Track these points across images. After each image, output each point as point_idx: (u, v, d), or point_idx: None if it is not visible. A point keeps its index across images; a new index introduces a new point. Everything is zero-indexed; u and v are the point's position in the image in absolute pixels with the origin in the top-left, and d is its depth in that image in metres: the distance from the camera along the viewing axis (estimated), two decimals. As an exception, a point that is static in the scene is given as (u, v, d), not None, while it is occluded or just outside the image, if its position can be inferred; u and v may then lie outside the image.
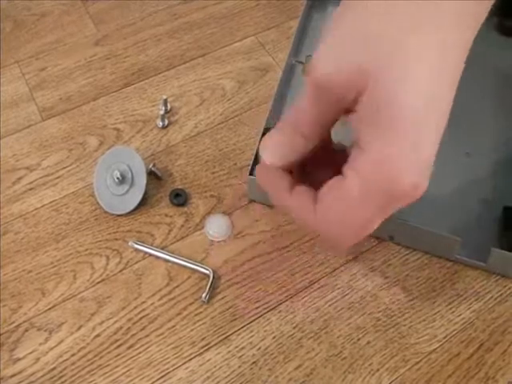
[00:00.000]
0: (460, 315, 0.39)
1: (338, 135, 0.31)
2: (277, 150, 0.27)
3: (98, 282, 0.39)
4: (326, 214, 0.26)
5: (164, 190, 0.44)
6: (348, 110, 0.25)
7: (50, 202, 0.43)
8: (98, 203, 0.43)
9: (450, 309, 0.40)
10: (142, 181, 0.41)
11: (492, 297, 0.40)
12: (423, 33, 0.23)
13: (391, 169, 0.24)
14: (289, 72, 0.51)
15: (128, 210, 0.41)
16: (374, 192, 0.25)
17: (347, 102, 0.25)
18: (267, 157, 0.28)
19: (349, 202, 0.25)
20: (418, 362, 0.37)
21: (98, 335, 0.37)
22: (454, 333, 0.38)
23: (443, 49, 0.24)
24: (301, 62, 0.53)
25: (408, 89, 0.23)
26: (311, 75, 0.24)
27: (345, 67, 0.24)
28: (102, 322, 0.37)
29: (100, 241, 0.41)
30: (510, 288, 0.41)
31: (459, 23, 0.24)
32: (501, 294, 0.40)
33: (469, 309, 0.40)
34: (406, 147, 0.24)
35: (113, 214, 0.42)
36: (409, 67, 0.23)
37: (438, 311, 0.39)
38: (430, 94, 0.24)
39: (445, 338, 0.38)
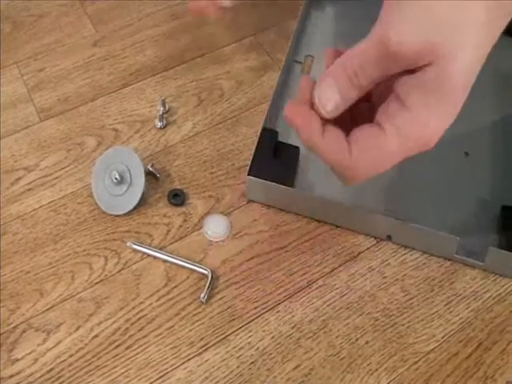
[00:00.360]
0: (458, 315, 0.39)
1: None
2: (338, 103, 0.30)
3: (97, 283, 0.39)
4: (360, 157, 0.30)
5: (162, 191, 0.44)
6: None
7: (49, 203, 0.43)
8: (96, 204, 0.43)
9: (449, 308, 0.40)
10: (140, 181, 0.41)
11: (490, 296, 0.40)
12: (472, 21, 0.28)
13: (432, 132, 0.29)
14: (287, 72, 0.51)
15: (127, 210, 0.41)
16: (410, 148, 0.30)
17: (409, 68, 0.29)
18: (331, 108, 0.30)
19: (385, 153, 0.30)
20: (416, 362, 0.37)
21: (96, 336, 0.37)
22: (452, 332, 0.38)
23: (486, 32, 0.29)
24: (299, 62, 0.53)
25: (461, 69, 0.28)
26: (386, 47, 0.28)
27: (418, 40, 0.27)
28: (100, 322, 0.37)
29: (98, 241, 0.41)
30: (508, 287, 0.41)
31: (499, 7, 0.29)
32: (499, 294, 0.40)
33: (467, 308, 0.40)
34: (446, 116, 0.29)
35: (111, 215, 0.42)
36: (464, 49, 0.28)
37: (437, 311, 0.39)
38: (471, 73, 0.29)
39: (443, 337, 0.38)
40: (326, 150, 0.31)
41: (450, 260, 0.42)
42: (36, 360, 0.35)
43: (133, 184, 0.41)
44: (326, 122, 0.31)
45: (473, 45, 0.28)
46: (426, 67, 0.28)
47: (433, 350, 0.38)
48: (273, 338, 0.37)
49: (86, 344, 0.36)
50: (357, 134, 0.30)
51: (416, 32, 0.28)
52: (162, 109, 0.48)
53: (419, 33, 0.28)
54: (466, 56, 0.28)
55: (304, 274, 0.40)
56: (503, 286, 0.41)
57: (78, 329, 0.37)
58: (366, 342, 0.38)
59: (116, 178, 0.41)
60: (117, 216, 0.42)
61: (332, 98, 0.30)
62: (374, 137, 0.30)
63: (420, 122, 0.29)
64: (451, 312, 0.39)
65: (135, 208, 0.42)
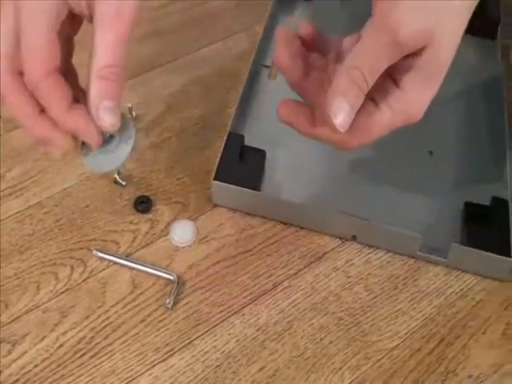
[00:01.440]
0: (421, 311, 0.40)
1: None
2: (348, 116, 0.32)
3: (62, 292, 0.39)
4: (354, 131, 0.33)
5: (129, 198, 0.44)
6: None
7: (15, 213, 0.43)
8: (62, 213, 0.43)
9: (412, 305, 0.40)
10: (130, 133, 0.38)
11: (453, 292, 0.41)
12: (455, 10, 0.32)
13: (420, 109, 0.33)
14: (254, 76, 0.52)
15: (119, 164, 0.37)
16: (398, 122, 0.33)
17: (410, 54, 0.32)
18: (343, 121, 0.32)
19: (376, 125, 0.33)
20: (379, 359, 0.38)
21: (61, 345, 0.37)
22: (415, 329, 0.39)
23: (466, 15, 0.32)
24: (267, 66, 0.53)
25: (448, 50, 0.32)
26: (394, 36, 0.31)
27: (417, 26, 0.31)
28: (66, 332, 0.37)
29: (64, 251, 0.41)
30: (470, 283, 0.42)
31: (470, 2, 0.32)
32: (461, 289, 0.41)
33: (430, 305, 0.40)
34: (432, 92, 0.33)
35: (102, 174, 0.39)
36: (449, 31, 0.31)
37: (400, 308, 0.40)
38: (453, 54, 0.32)
39: (406, 334, 0.39)
40: (323, 136, 0.35)
41: (413, 258, 0.43)
42: (1, 372, 0.36)
43: (123, 139, 0.37)
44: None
45: (454, 27, 0.32)
46: (421, 51, 0.31)
47: (396, 346, 0.38)
48: (238, 340, 0.38)
49: (51, 354, 0.36)
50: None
51: (415, 19, 0.30)
52: (129, 116, 0.49)
53: (417, 19, 0.31)
54: (451, 38, 0.32)
55: (269, 277, 0.41)
56: (465, 281, 0.42)
57: (43, 339, 0.37)
58: (330, 342, 0.38)
59: (107, 134, 0.37)
60: (83, 224, 0.43)
61: (342, 112, 0.32)
62: (369, 113, 0.33)
63: (411, 100, 0.33)
64: (414, 309, 0.40)
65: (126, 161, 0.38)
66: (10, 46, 0.32)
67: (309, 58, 0.36)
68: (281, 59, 0.35)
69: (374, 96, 0.33)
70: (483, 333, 0.39)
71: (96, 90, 0.32)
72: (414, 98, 0.33)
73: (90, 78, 0.33)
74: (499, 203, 0.44)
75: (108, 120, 0.33)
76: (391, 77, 0.33)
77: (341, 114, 0.32)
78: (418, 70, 0.32)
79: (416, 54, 0.31)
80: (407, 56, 0.32)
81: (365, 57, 0.32)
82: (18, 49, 0.31)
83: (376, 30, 0.31)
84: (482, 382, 0.37)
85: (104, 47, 0.33)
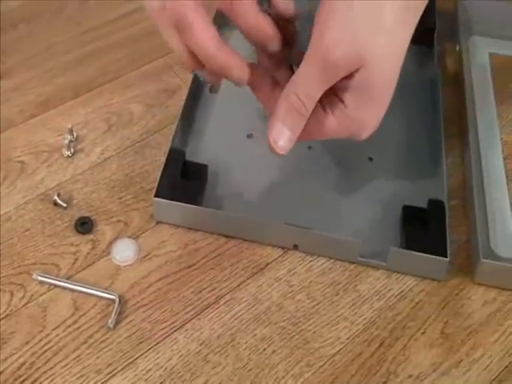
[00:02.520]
0: (362, 315, 0.41)
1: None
2: (289, 140, 0.35)
3: (2, 319, 0.39)
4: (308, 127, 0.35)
5: (69, 219, 0.44)
6: None
7: (-47, 242, 0.42)
8: (2, 238, 0.43)
9: (353, 310, 0.41)
10: None
11: (393, 294, 0.42)
12: (385, 27, 0.33)
13: (359, 127, 0.36)
14: (195, 91, 0.52)
15: None
16: (343, 133, 0.36)
17: (343, 76, 0.33)
18: (285, 145, 0.35)
19: (322, 130, 0.36)
20: (322, 366, 0.38)
21: (1, 372, 0.36)
22: (357, 333, 0.40)
23: (401, 38, 0.34)
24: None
25: (384, 68, 0.33)
26: (326, 59, 0.32)
27: (349, 51, 0.32)
28: (6, 358, 0.37)
29: (4, 276, 0.41)
30: (409, 284, 0.43)
31: (405, 21, 0.34)
32: (401, 291, 0.42)
33: (371, 308, 0.41)
34: (377, 112, 0.36)
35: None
36: (384, 49, 0.33)
37: (341, 314, 0.41)
38: (395, 75, 0.34)
39: (348, 339, 0.39)
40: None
41: (354, 263, 0.43)
42: None
43: None
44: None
45: (387, 47, 0.33)
46: (356, 72, 0.33)
47: (338, 352, 0.39)
48: (181, 356, 0.38)
49: (-11, 382, 0.36)
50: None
51: (344, 41, 0.32)
52: (69, 137, 0.49)
53: (347, 42, 0.32)
54: (384, 58, 0.33)
55: (212, 290, 0.41)
56: (405, 283, 0.43)
57: (-19, 367, 0.36)
58: (273, 351, 0.39)
59: None
60: (23, 249, 0.42)
61: (283, 137, 0.34)
62: (317, 117, 0.35)
63: (353, 118, 0.35)
64: (356, 313, 0.41)
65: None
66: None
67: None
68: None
69: (324, 103, 0.35)
70: (422, 333, 0.40)
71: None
72: (356, 116, 0.35)
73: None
74: (436, 205, 0.45)
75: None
76: (337, 95, 0.35)
77: (282, 139, 0.34)
78: (355, 90, 0.34)
79: (351, 75, 0.33)
80: (344, 78, 0.33)
81: (302, 82, 0.34)
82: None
83: (311, 56, 0.33)
84: (421, 381, 0.38)
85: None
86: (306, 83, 0.33)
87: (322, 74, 0.33)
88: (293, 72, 0.38)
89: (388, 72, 0.34)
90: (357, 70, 0.33)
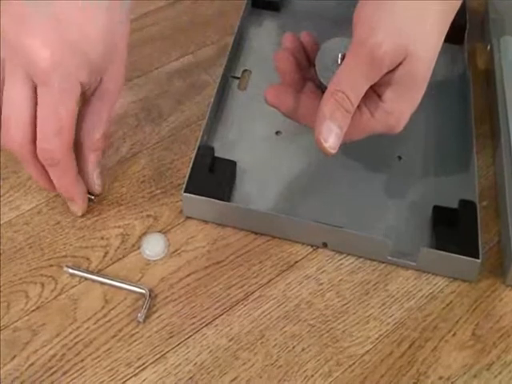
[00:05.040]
0: (392, 315, 0.40)
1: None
2: (337, 137, 0.36)
3: (33, 311, 0.39)
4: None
5: (99, 213, 0.44)
6: None
7: (-15, 233, 0.43)
8: (33, 231, 0.43)
9: (383, 310, 0.41)
10: None
11: (423, 295, 0.41)
12: (427, 23, 0.35)
13: (399, 120, 0.37)
14: (223, 88, 0.52)
15: None
16: (377, 129, 0.37)
17: (388, 70, 0.35)
18: (334, 143, 0.36)
19: (357, 127, 0.37)
20: (351, 365, 0.38)
21: (32, 364, 0.37)
22: (386, 333, 0.39)
23: (438, 34, 0.35)
24: (236, 78, 0.54)
25: (425, 61, 0.35)
26: (372, 55, 0.34)
27: (394, 48, 0.34)
28: (37, 350, 0.37)
29: (35, 268, 0.41)
30: (440, 285, 0.42)
31: (444, 15, 0.35)
32: (431, 292, 0.42)
33: (401, 309, 0.41)
34: (413, 104, 0.37)
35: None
36: (425, 43, 0.34)
37: (371, 313, 0.40)
38: (431, 64, 0.36)
39: (377, 338, 0.39)
40: (304, 121, 0.40)
41: (384, 263, 0.43)
42: (-30, 393, 0.35)
43: None
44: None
45: (431, 37, 0.34)
46: (399, 66, 0.34)
47: (367, 351, 0.39)
48: (210, 352, 0.38)
49: (21, 373, 0.36)
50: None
51: (390, 40, 0.33)
52: (99, 132, 0.49)
53: (392, 41, 0.33)
54: (425, 53, 0.34)
55: (241, 287, 0.41)
56: (435, 284, 0.42)
57: (13, 358, 0.37)
58: (303, 349, 0.38)
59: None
60: (54, 241, 0.43)
61: (332, 134, 0.35)
62: (357, 115, 0.36)
63: (390, 111, 0.36)
64: (385, 313, 0.40)
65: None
66: (28, 117, 0.35)
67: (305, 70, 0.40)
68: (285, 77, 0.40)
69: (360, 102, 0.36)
70: (453, 334, 0.40)
71: (92, 162, 0.41)
72: (394, 109, 0.36)
73: (86, 146, 0.39)
74: (467, 205, 0.44)
75: (100, 184, 0.42)
76: (374, 91, 0.36)
77: (331, 137, 0.35)
78: (396, 84, 0.35)
79: (393, 70, 0.35)
80: (386, 73, 0.35)
81: (347, 79, 0.34)
82: (34, 120, 0.35)
83: (356, 54, 0.34)
84: (452, 382, 0.38)
85: (104, 118, 0.39)
86: (352, 80, 0.34)
87: (367, 71, 0.34)
88: (316, 84, 0.40)
89: (427, 65, 0.35)
90: (399, 64, 0.34)
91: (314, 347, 0.38)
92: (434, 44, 0.35)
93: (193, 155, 0.45)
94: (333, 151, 0.36)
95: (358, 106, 0.36)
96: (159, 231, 0.44)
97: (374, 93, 0.36)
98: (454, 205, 0.45)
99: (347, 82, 0.34)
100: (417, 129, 0.51)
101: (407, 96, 0.36)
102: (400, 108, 0.36)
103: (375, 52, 0.33)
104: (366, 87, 0.35)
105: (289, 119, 0.50)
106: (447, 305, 0.41)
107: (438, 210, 0.45)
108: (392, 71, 0.34)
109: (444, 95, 0.54)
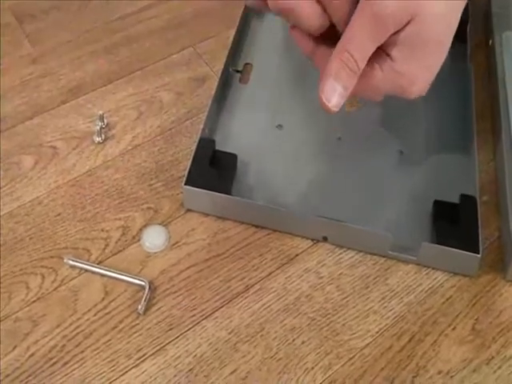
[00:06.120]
0: (392, 309, 0.40)
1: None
2: (341, 96, 0.34)
3: (33, 302, 0.39)
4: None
5: (100, 205, 0.44)
6: None
7: (-14, 224, 0.43)
8: (33, 222, 0.43)
9: (383, 304, 0.41)
10: None
11: (423, 289, 0.42)
12: None
13: (408, 82, 0.35)
14: (225, 81, 0.52)
15: None
16: (391, 88, 0.36)
17: (393, 32, 0.33)
18: (336, 102, 0.34)
19: (367, 83, 0.35)
20: (351, 358, 0.38)
21: (32, 354, 0.37)
22: (386, 327, 0.40)
23: (453, 4, 0.34)
24: (238, 71, 0.54)
25: (438, 21, 0.33)
26: (378, 15, 0.32)
27: (401, 7, 0.32)
28: (37, 341, 0.37)
29: (35, 260, 0.41)
30: (440, 279, 0.42)
31: None
32: (431, 286, 0.42)
33: (400, 303, 0.41)
34: (429, 68, 0.35)
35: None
36: (434, 13, 0.33)
37: (371, 307, 0.40)
38: (444, 35, 0.34)
39: (377, 332, 0.39)
40: (318, 65, 0.37)
41: (384, 257, 0.43)
42: (-30, 383, 0.35)
43: None
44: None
45: (442, 2, 0.33)
46: (405, 26, 0.33)
47: (367, 345, 0.39)
48: (210, 344, 0.38)
49: (22, 363, 0.36)
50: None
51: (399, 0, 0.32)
52: (100, 123, 0.49)
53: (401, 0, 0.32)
54: (437, 10, 0.33)
55: (241, 280, 0.41)
56: (435, 278, 0.42)
57: (14, 349, 0.37)
58: (303, 342, 0.38)
59: None
60: (54, 233, 0.43)
61: (336, 94, 0.34)
62: (365, 70, 0.34)
63: (400, 71, 0.34)
64: (385, 307, 0.40)
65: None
66: None
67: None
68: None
69: (371, 58, 0.34)
70: (453, 329, 0.40)
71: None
72: (404, 70, 0.34)
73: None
74: (467, 200, 0.44)
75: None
76: (384, 50, 0.35)
77: (334, 97, 0.34)
78: (402, 44, 0.34)
79: (401, 30, 0.33)
80: (394, 33, 0.33)
81: (354, 39, 0.33)
82: None
83: (362, 14, 0.33)
84: (451, 377, 0.38)
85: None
86: (358, 40, 0.33)
87: (373, 31, 0.33)
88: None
89: (437, 29, 0.34)
90: (406, 24, 0.33)
91: (313, 340, 0.39)
92: (448, 8, 0.33)
93: (194, 148, 0.45)
94: (335, 109, 0.34)
95: (370, 64, 0.35)
96: (160, 224, 0.44)
97: (384, 51, 0.35)
98: (455, 199, 0.45)
99: (353, 42, 0.33)
100: (418, 123, 0.51)
101: (418, 57, 0.34)
102: (410, 69, 0.35)
103: (380, 12, 0.32)
104: (373, 48, 0.33)
105: (289, 114, 0.50)
106: (447, 299, 0.41)
107: (438, 205, 0.45)
108: (399, 31, 0.33)
109: (445, 90, 0.53)
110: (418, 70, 0.35)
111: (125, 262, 0.41)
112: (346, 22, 0.34)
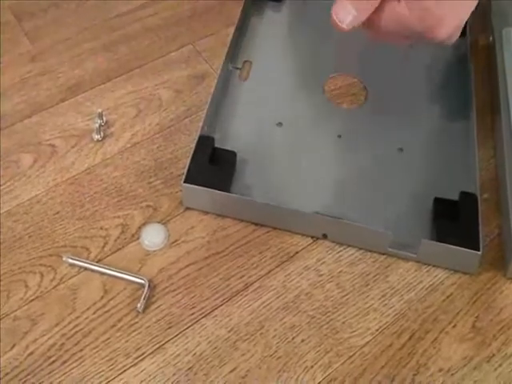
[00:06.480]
0: (392, 307, 0.40)
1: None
2: (354, 18, 0.34)
3: (32, 300, 0.39)
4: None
5: (99, 203, 0.44)
6: None
7: (-16, 223, 0.43)
8: (32, 221, 0.43)
9: (383, 301, 0.41)
10: None
11: (423, 287, 0.41)
12: None
13: (436, 21, 0.33)
14: (224, 78, 0.52)
15: None
16: (416, 24, 0.34)
17: None
18: (349, 23, 0.34)
19: (397, 16, 0.34)
20: (351, 356, 0.38)
21: (31, 353, 0.37)
22: (386, 325, 0.39)
23: None
24: (237, 68, 0.53)
25: None
26: None
27: None
28: (36, 339, 0.37)
29: (34, 258, 0.41)
30: (440, 277, 0.42)
31: None
32: (431, 284, 0.42)
33: (401, 300, 0.41)
34: (452, 11, 0.33)
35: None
36: None
37: (371, 305, 0.40)
38: None
39: (377, 330, 0.39)
40: None
41: (384, 254, 0.43)
42: (-31, 381, 0.35)
43: None
44: None
45: None
46: None
47: (367, 343, 0.38)
48: (210, 342, 0.38)
49: (20, 362, 0.36)
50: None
51: None
52: (99, 121, 0.49)
53: None
54: None
55: (241, 278, 0.41)
56: (435, 276, 0.42)
57: (13, 347, 0.37)
58: (302, 340, 0.38)
59: None
60: (53, 231, 0.42)
61: (349, 16, 0.33)
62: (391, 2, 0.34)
63: (427, 9, 0.33)
64: (385, 305, 0.40)
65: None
66: None
67: None
68: None
69: None
70: (453, 326, 0.40)
71: None
72: (431, 6, 0.33)
73: None
74: (468, 197, 0.44)
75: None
76: None
77: (348, 18, 0.34)
78: None
79: None
80: None
81: None
82: None
83: None
84: (452, 374, 0.38)
85: None
86: None
87: None
88: None
89: None
90: None
91: (313, 338, 0.38)
92: None
93: (193, 145, 0.45)
94: (347, 27, 0.34)
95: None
96: (159, 222, 0.43)
97: None
98: (455, 197, 0.44)
99: None
100: (418, 121, 0.51)
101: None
102: (439, 8, 0.33)
103: None
104: None
105: (289, 112, 0.50)
106: (447, 297, 0.41)
107: (438, 202, 0.45)
108: None
109: (446, 87, 0.53)
110: (446, 10, 0.33)
111: (124, 261, 0.41)
112: None
